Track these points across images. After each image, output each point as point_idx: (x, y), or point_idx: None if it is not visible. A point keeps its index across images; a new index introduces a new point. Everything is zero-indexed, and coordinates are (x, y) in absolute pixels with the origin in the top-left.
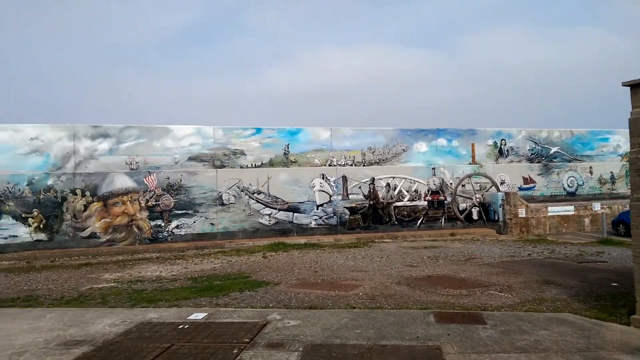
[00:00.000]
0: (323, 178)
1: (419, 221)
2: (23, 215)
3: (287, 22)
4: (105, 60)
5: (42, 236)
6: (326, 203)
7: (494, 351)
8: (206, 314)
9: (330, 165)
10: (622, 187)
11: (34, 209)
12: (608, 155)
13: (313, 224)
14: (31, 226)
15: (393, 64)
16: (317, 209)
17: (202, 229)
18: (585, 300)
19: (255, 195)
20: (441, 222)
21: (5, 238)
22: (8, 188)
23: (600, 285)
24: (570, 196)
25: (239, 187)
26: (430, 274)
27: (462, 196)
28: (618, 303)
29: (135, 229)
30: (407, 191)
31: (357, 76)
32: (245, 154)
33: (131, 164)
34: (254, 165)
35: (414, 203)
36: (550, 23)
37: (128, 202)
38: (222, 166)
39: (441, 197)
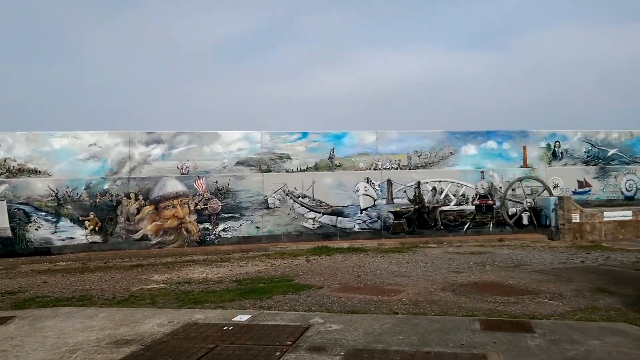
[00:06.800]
0: (367, 182)
1: (466, 226)
2: (80, 218)
3: (336, 26)
4: (163, 70)
5: (96, 238)
6: (370, 207)
7: None
8: (250, 316)
9: (375, 169)
10: None
11: (90, 212)
12: None
13: (357, 228)
14: (87, 228)
15: (442, 66)
16: (361, 213)
17: (247, 232)
18: None
19: (300, 199)
20: (489, 227)
21: (63, 240)
22: (67, 192)
23: None
24: (628, 201)
25: (284, 191)
26: (476, 280)
27: (512, 200)
28: None
29: (184, 232)
30: (454, 195)
31: (406, 79)
32: (291, 158)
33: (182, 168)
34: (299, 169)
35: (460, 207)
36: (614, 20)
37: (178, 206)
38: (269, 170)
39: (490, 202)
